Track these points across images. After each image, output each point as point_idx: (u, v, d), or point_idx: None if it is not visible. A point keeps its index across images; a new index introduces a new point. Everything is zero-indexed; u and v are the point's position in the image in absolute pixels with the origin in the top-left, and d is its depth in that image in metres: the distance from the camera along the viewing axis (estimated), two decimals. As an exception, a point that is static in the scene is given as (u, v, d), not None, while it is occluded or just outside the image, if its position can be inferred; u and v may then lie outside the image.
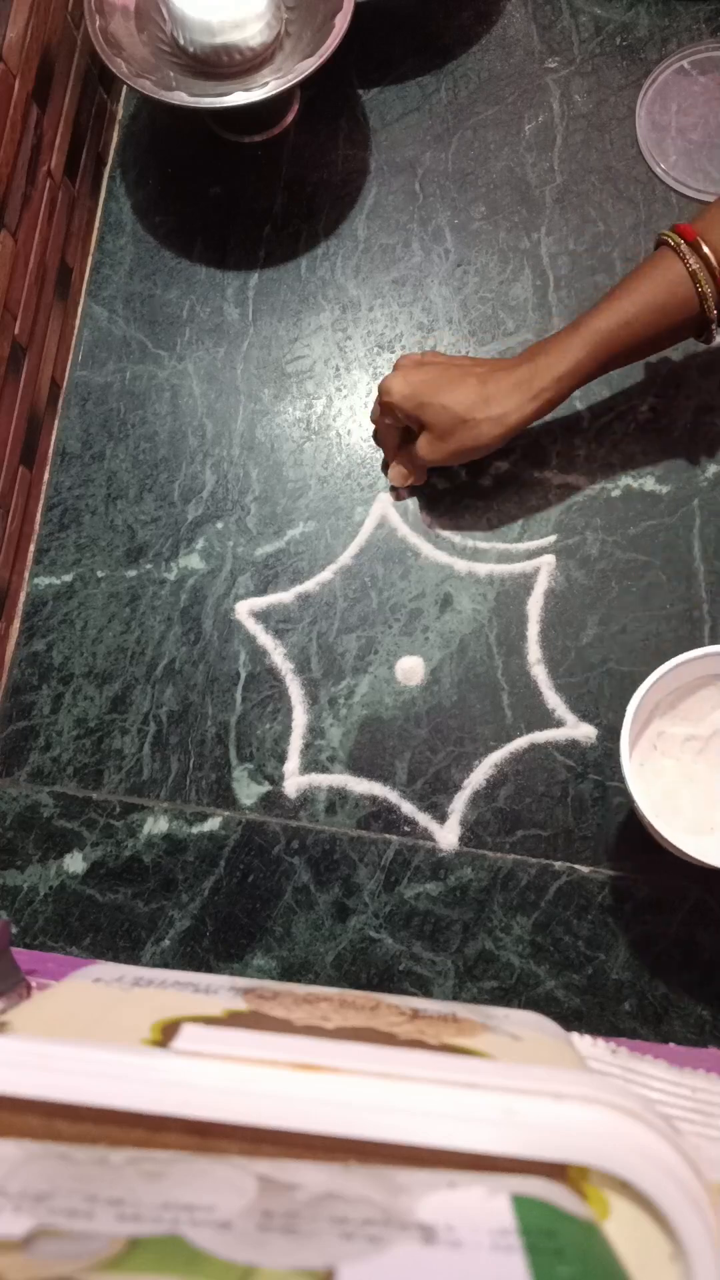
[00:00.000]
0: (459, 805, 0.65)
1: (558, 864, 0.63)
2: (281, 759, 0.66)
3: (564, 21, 0.78)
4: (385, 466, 0.70)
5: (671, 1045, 0.57)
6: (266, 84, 0.66)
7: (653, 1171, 0.23)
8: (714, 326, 0.57)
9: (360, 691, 0.67)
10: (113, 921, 0.64)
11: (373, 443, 0.71)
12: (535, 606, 0.68)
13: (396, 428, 0.66)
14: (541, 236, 0.74)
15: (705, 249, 0.55)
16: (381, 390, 0.63)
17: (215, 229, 0.77)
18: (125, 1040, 0.28)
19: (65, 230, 0.72)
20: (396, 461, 0.68)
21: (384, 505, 0.70)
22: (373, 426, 0.69)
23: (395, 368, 0.64)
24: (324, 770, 0.66)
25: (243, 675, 0.67)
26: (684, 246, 0.55)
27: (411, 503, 0.70)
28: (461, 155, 0.77)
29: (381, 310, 0.74)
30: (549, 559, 0.68)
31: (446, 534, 0.70)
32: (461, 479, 0.70)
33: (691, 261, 0.55)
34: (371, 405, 0.69)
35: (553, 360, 0.58)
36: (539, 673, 0.66)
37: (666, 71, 0.77)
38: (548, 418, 0.71)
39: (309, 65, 0.65)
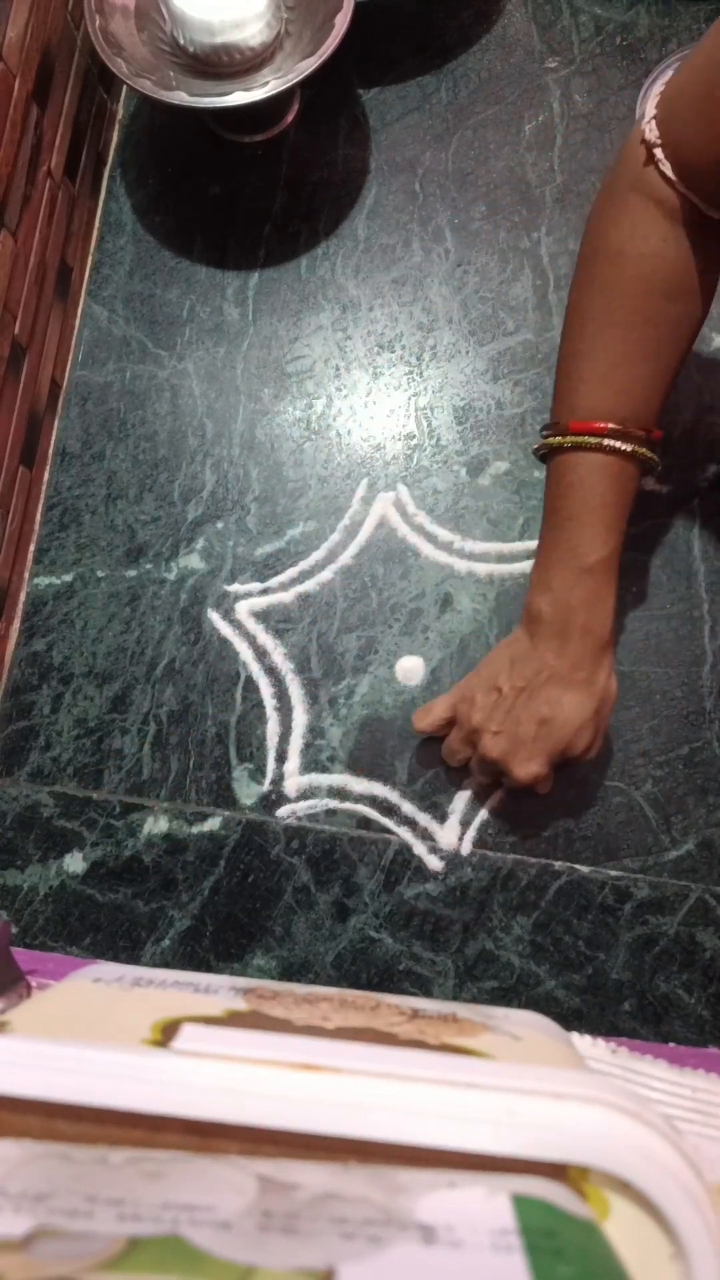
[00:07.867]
0: (459, 805, 0.65)
1: (558, 864, 0.63)
2: (282, 759, 0.66)
3: (564, 21, 0.78)
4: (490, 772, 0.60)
5: (671, 1045, 0.57)
6: (266, 84, 0.66)
7: (653, 1171, 0.24)
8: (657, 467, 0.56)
9: (360, 691, 0.67)
10: (113, 921, 0.64)
11: (373, 447, 0.71)
12: (535, 606, 0.67)
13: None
14: (541, 236, 0.74)
15: (613, 425, 0.53)
16: (531, 781, 0.57)
17: (215, 229, 0.77)
18: (125, 1040, 0.28)
19: (65, 230, 0.72)
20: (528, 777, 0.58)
21: (384, 505, 0.70)
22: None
23: (481, 737, 0.58)
24: (324, 770, 0.66)
25: (243, 675, 0.67)
26: (607, 441, 0.53)
27: (411, 503, 0.70)
28: (461, 155, 0.77)
29: (381, 310, 0.74)
30: (549, 559, 0.68)
31: (446, 534, 0.70)
32: (461, 478, 0.70)
33: (622, 445, 0.53)
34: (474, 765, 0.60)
35: (594, 611, 0.56)
36: (539, 673, 0.66)
37: (667, 71, 0.76)
38: (546, 416, 0.71)
39: (309, 65, 0.65)
